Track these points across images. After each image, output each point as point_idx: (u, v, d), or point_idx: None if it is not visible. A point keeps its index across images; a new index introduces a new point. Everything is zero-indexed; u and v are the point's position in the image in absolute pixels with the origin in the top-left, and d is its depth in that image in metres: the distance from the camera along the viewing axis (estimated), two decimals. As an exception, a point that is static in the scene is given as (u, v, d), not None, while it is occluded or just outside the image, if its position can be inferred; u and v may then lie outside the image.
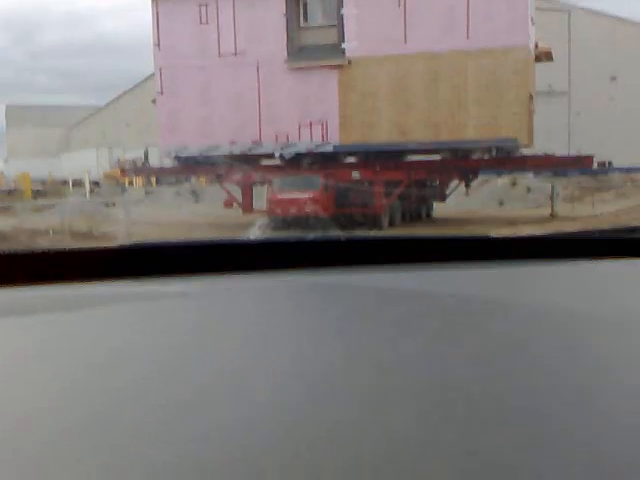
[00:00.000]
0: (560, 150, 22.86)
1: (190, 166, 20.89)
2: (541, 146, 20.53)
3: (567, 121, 35.76)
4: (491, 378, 0.74)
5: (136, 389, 0.73)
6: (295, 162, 19.42)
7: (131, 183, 30.84)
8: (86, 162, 38.91)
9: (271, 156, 19.87)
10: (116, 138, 44.53)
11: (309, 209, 16.91)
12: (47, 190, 31.31)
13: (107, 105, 53.84)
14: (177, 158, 20.72)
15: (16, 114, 56.52)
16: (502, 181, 27.09)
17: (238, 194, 19.80)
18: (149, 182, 31.50)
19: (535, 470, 0.53)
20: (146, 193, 28.56)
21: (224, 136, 19.33)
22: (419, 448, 0.57)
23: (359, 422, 0.62)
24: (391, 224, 18.50)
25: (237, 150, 19.46)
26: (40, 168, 38.04)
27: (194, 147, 19.61)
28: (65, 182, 35.07)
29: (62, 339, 0.96)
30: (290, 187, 17.79)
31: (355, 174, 19.03)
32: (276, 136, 19.38)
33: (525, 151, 19.99)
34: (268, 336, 0.95)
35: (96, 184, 32.81)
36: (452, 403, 0.66)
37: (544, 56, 20.52)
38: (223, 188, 20.15)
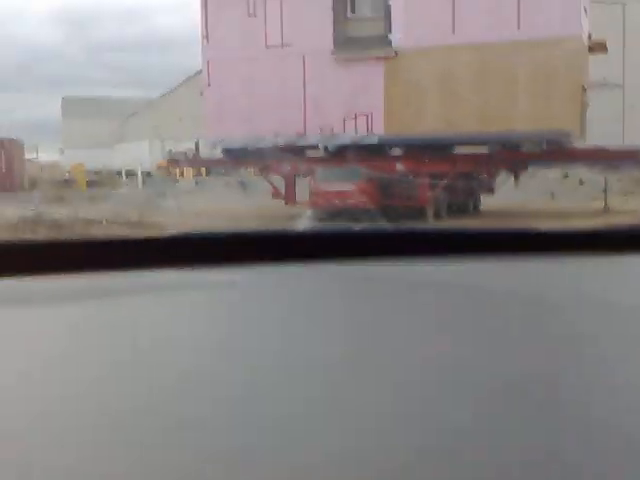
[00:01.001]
0: (614, 143, 22.19)
1: (237, 157, 21.03)
2: (594, 139, 20.01)
3: (621, 114, 34.84)
4: (542, 375, 0.73)
5: (182, 377, 0.74)
6: (339, 154, 19.36)
7: (182, 174, 31.29)
8: (139, 153, 39.57)
9: (315, 148, 19.86)
10: (169, 130, 45.08)
11: (352, 201, 16.82)
12: (101, 180, 32.00)
13: (160, 97, 54.54)
14: (225, 150, 20.88)
15: (71, 106, 57.77)
16: (553, 173, 26.49)
17: (282, 186, 19.84)
18: (199, 173, 31.91)
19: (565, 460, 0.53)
20: (196, 183, 28.93)
21: (269, 127, 19.38)
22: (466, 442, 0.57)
23: (402, 415, 0.62)
24: (437, 216, 18.29)
25: (282, 141, 19.49)
26: (94, 159, 38.86)
27: (239, 139, 19.72)
28: (118, 173, 35.77)
29: (111, 327, 0.98)
30: (333, 179, 17.72)
31: (400, 166, 18.83)
32: (320, 128, 19.34)
33: (577, 144, 19.51)
34: (315, 325, 0.96)
35: (148, 175, 33.39)
36: (510, 400, 0.66)
37: (598, 48, 19.93)
38: (266, 180, 20.24)
